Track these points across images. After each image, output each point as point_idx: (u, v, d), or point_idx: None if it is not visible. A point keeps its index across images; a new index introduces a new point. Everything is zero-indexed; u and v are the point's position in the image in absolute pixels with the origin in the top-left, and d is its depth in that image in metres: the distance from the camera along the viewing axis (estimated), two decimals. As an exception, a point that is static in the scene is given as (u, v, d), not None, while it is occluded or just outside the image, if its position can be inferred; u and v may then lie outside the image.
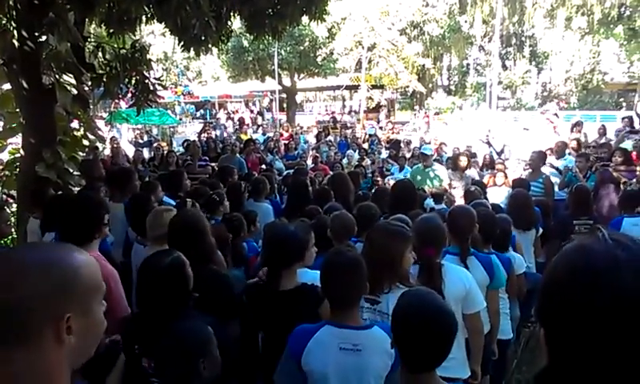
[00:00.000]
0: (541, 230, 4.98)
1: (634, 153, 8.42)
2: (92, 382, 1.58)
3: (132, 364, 2.25)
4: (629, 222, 5.01)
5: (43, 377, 0.95)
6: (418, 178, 7.17)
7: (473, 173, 8.31)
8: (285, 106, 30.77)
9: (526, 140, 13.56)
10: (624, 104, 30.21)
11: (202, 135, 13.22)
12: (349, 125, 23.57)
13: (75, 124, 6.48)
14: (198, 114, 27.67)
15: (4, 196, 6.91)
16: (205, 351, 1.95)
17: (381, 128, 21.15)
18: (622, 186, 6.62)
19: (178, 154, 10.48)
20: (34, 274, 0.93)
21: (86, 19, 5.96)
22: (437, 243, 2.79)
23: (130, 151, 11.96)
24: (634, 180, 6.57)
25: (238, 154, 9.14)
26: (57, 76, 5.62)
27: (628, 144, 10.24)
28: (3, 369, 0.92)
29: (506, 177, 7.58)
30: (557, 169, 8.03)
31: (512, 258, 3.91)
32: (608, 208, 6.48)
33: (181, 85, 29.64)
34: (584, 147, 10.10)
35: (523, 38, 35.43)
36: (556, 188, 7.62)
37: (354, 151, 13.67)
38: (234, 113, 28.08)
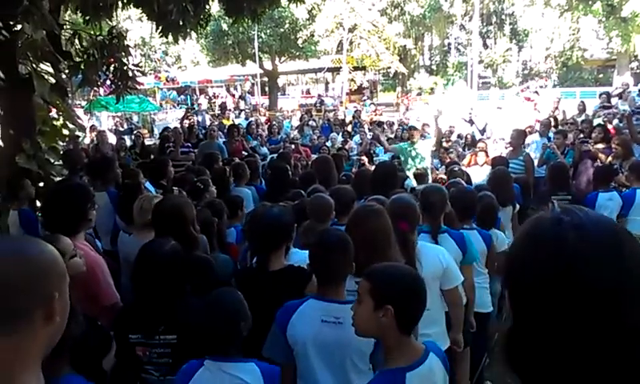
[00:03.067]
0: (518, 207, 5.09)
1: (613, 128, 8.59)
2: (83, 373, 1.62)
3: (125, 354, 2.27)
4: (603, 197, 5.16)
5: (32, 358, 1.01)
6: (402, 157, 7.28)
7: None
8: (267, 89, 30.59)
9: (506, 118, 13.68)
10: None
11: (184, 121, 13.09)
12: (332, 107, 23.54)
13: (54, 113, 6.40)
14: (179, 100, 27.35)
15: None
16: (244, 314, 2.07)
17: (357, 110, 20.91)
18: (599, 161, 6.77)
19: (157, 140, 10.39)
20: (15, 262, 0.99)
21: (62, 6, 5.85)
22: (409, 218, 2.86)
23: (112, 139, 11.84)
24: (610, 156, 6.71)
25: (220, 139, 9.11)
26: (34, 65, 5.52)
27: (598, 120, 10.44)
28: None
29: (487, 156, 7.68)
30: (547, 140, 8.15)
31: (494, 234, 4.02)
32: (586, 183, 6.64)
33: (165, 71, 29.22)
34: (562, 124, 10.28)
35: (503, 16, 35.54)
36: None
37: (338, 134, 13.70)
38: (215, 97, 27.81)
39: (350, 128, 15.43)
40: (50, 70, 5.74)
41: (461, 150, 9.60)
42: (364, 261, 2.27)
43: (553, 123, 9.70)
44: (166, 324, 2.25)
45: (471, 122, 12.51)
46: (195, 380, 1.98)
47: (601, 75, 34.07)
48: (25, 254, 1.02)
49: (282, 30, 26.35)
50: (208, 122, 16.56)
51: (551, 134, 8.58)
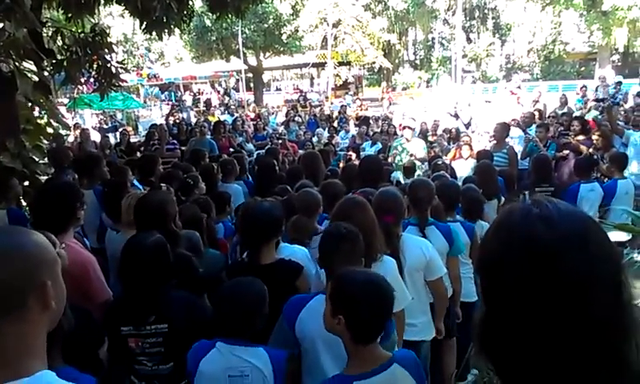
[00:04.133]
0: (503, 199, 5.17)
1: (592, 121, 8.75)
2: (78, 365, 1.64)
3: (117, 347, 2.30)
4: (585, 188, 5.26)
5: (36, 344, 1.05)
6: (397, 150, 7.35)
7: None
8: (252, 85, 30.45)
9: (490, 112, 13.81)
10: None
11: (170, 118, 13.00)
12: (318, 102, 23.53)
13: (37, 112, 6.33)
14: (163, 97, 27.11)
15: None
16: (262, 307, 2.13)
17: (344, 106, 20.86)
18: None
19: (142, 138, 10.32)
20: (5, 254, 1.02)
21: (43, 4, 5.78)
22: (395, 212, 2.91)
23: (96, 137, 11.72)
24: (591, 148, 6.84)
25: (207, 136, 9.10)
26: (16, 63, 5.46)
27: (594, 113, 10.65)
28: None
29: (472, 149, 7.77)
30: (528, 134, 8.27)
31: (479, 226, 4.10)
32: (568, 175, 6.76)
33: (148, 68, 28.91)
34: (544, 117, 10.43)
35: (486, 11, 35.73)
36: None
37: (324, 129, 13.73)
38: (199, 94, 27.62)
39: (335, 123, 15.46)
40: (33, 68, 5.68)
41: (446, 144, 9.68)
42: None
43: (537, 116, 9.83)
44: (156, 314, 2.28)
45: (456, 116, 12.60)
46: (206, 359, 2.06)
47: (583, 68, 34.49)
48: (14, 246, 1.04)
49: (265, 25, 26.25)
50: (193, 119, 16.48)
51: (533, 127, 8.71)
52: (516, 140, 8.27)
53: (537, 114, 10.32)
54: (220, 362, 2.05)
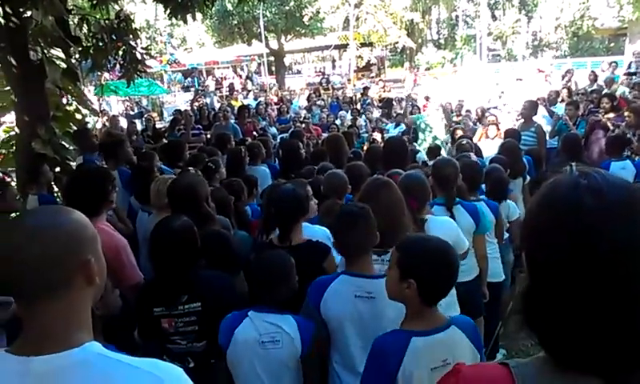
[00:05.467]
0: (528, 178, 5.10)
1: (621, 97, 8.51)
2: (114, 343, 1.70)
3: (150, 328, 2.38)
4: (616, 166, 5.15)
5: (83, 317, 1.11)
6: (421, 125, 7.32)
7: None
8: (273, 69, 30.39)
9: (518, 90, 13.53)
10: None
11: (194, 104, 13.13)
12: (340, 85, 23.36)
13: (66, 99, 6.46)
14: (186, 83, 27.29)
15: (1, 174, 6.94)
16: (289, 277, 2.25)
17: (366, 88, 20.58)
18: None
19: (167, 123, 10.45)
20: (49, 232, 1.06)
21: (69, -9, 5.87)
22: (419, 196, 2.91)
23: (122, 123, 11.92)
24: (623, 124, 6.65)
25: (231, 120, 9.16)
26: (44, 51, 5.58)
27: (622, 89, 10.34)
28: (42, 320, 1.05)
29: (499, 129, 7.64)
30: (551, 113, 8.11)
31: (505, 205, 4.06)
32: (598, 153, 6.62)
33: (166, 53, 29.09)
34: (574, 95, 10.18)
35: (512, -14, 34.79)
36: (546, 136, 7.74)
37: (347, 112, 13.66)
38: (222, 79, 27.73)
39: (358, 106, 15.36)
40: (61, 55, 5.80)
41: (471, 124, 9.52)
42: (381, 230, 2.32)
43: (567, 94, 9.61)
44: (188, 293, 2.33)
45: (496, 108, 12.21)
46: (240, 328, 2.17)
47: (612, 44, 33.36)
48: (58, 225, 1.08)
49: (287, 7, 26.06)
50: (216, 104, 16.58)
51: (560, 106, 8.52)
52: (544, 120, 8.11)
53: (566, 91, 10.08)
54: (252, 330, 2.16)
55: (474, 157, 4.99)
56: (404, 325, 1.90)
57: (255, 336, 2.14)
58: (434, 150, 6.43)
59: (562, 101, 9.19)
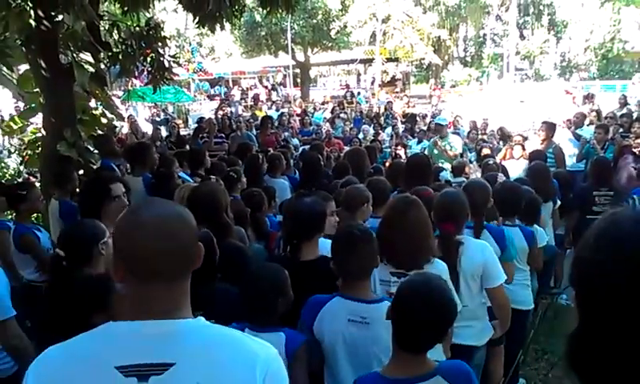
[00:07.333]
0: (559, 202, 4.96)
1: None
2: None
3: None
4: (649, 193, 4.97)
5: (188, 296, 1.29)
6: (435, 151, 7.23)
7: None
8: (299, 81, 30.58)
9: (544, 111, 13.33)
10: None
11: (219, 112, 13.25)
12: (364, 99, 23.32)
13: (93, 103, 6.56)
14: (213, 92, 27.62)
15: (26, 175, 7.06)
16: (282, 290, 2.14)
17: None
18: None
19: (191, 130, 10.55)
20: (183, 221, 1.22)
21: (101, -3, 5.98)
22: (456, 219, 2.78)
23: (148, 129, 12.07)
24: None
25: (247, 131, 9.22)
26: (74, 55, 5.67)
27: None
28: (170, 295, 1.21)
29: (524, 149, 7.49)
30: (577, 136, 7.94)
31: (535, 230, 3.93)
32: (627, 179, 6.42)
33: (193, 62, 29.53)
34: (602, 118, 9.95)
35: (541, 7, 34.48)
36: (573, 160, 7.57)
37: (370, 126, 13.60)
38: (248, 89, 28.00)
39: (382, 120, 15.29)
40: (90, 59, 5.89)
41: (496, 143, 9.37)
42: (403, 251, 2.25)
43: (595, 117, 9.40)
44: (203, 309, 2.27)
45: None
46: None
47: (643, 68, 32.76)
48: (182, 213, 1.26)
49: (314, 20, 26.26)
50: (241, 113, 16.71)
51: (587, 128, 8.33)
52: (570, 144, 7.93)
53: (594, 114, 9.86)
54: None
55: (502, 177, 4.86)
56: (385, 368, 1.80)
57: None
58: (457, 168, 6.31)
59: (590, 124, 8.98)
